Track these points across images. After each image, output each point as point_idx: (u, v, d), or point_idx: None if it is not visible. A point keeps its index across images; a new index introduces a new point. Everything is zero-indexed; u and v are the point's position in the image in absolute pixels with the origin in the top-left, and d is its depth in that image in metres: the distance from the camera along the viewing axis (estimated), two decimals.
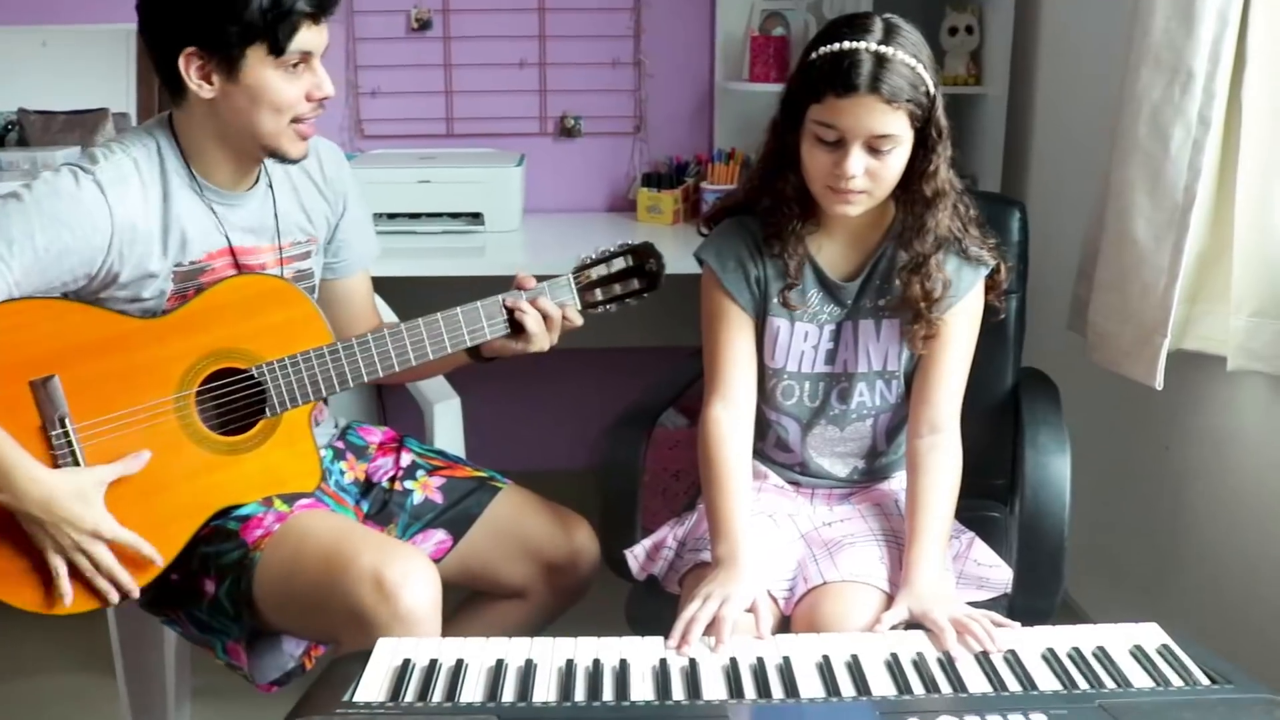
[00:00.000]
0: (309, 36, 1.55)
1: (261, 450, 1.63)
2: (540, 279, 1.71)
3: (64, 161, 1.55)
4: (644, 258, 1.75)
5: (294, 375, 1.62)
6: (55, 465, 1.50)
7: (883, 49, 1.46)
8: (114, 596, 1.54)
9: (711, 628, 1.36)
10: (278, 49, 1.52)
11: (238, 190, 1.66)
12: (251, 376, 1.61)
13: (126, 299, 1.57)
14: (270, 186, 1.70)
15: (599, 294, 1.74)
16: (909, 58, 1.47)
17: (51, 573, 1.50)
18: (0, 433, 1.45)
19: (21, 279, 1.48)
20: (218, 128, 1.59)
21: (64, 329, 1.52)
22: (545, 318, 1.68)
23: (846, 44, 1.47)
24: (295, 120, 1.59)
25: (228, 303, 1.61)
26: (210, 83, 1.54)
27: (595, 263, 1.74)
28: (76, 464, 1.50)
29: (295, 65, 1.56)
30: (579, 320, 1.72)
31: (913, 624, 1.41)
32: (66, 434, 1.50)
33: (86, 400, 1.51)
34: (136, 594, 1.55)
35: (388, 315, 2.05)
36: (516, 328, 1.68)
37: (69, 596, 1.51)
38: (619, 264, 1.74)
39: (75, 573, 1.51)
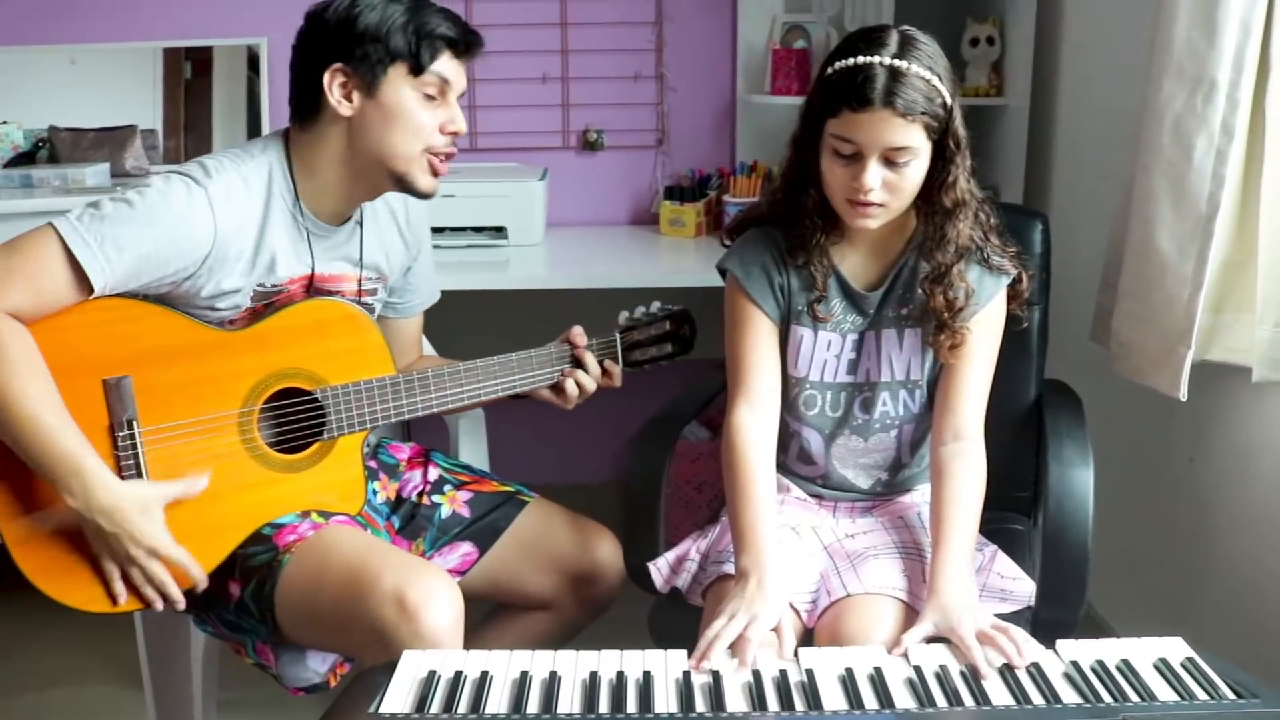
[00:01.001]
0: (449, 66, 1.62)
1: (313, 471, 1.67)
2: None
3: (176, 169, 1.60)
4: (681, 323, 1.89)
5: (355, 402, 1.67)
6: (118, 465, 1.53)
7: (897, 63, 1.47)
8: (159, 605, 1.57)
9: (735, 645, 1.36)
10: (418, 68, 1.59)
11: (334, 224, 1.70)
12: (315, 398, 1.65)
13: (202, 306, 1.61)
14: (360, 224, 1.74)
15: (636, 355, 1.86)
16: (924, 70, 1.48)
17: (105, 576, 1.54)
18: (82, 439, 1.49)
19: (117, 282, 1.52)
20: (348, 150, 1.63)
21: (142, 332, 1.56)
22: (588, 373, 1.80)
23: (861, 59, 1.48)
24: (430, 153, 1.64)
25: (301, 324, 1.65)
26: (350, 100, 1.60)
27: (638, 325, 1.87)
28: (138, 466, 1.54)
29: (432, 96, 1.61)
30: (619, 382, 1.84)
31: (938, 638, 1.41)
32: (132, 436, 1.53)
33: (155, 405, 1.55)
34: (182, 607, 1.59)
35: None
36: (555, 385, 1.80)
37: (122, 597, 1.55)
38: (659, 328, 1.87)
39: (125, 577, 1.55)
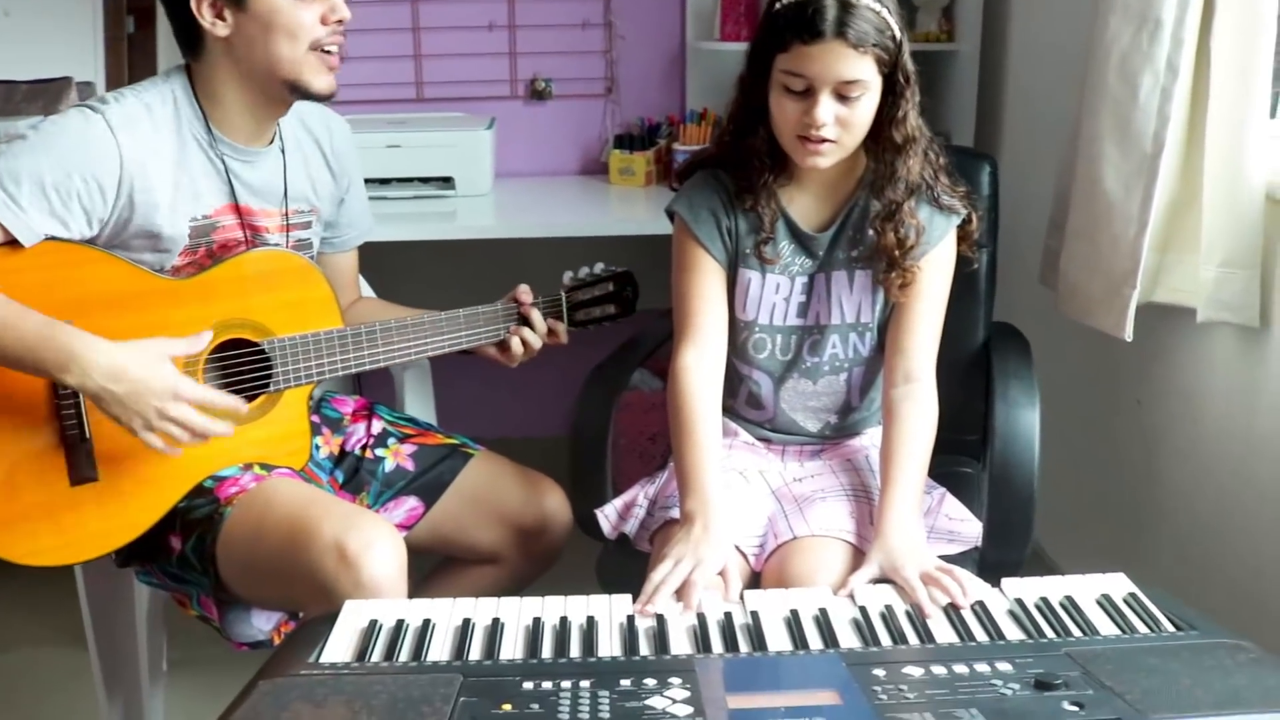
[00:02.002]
0: None
1: (258, 424, 1.64)
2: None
3: (74, 103, 1.54)
4: (624, 284, 1.89)
5: (302, 355, 1.65)
6: (58, 415, 1.49)
7: None
8: (217, 429, 1.50)
9: (681, 591, 1.36)
10: None
11: (253, 146, 1.66)
12: (261, 350, 1.62)
13: (143, 248, 1.57)
14: (283, 151, 1.70)
15: (580, 315, 1.86)
16: (873, 2, 1.47)
17: (144, 443, 1.46)
18: (47, 318, 1.43)
19: (38, 225, 1.47)
20: (238, 70, 1.59)
21: (86, 277, 1.52)
22: (534, 330, 1.79)
23: None
24: (316, 48, 1.58)
25: (249, 274, 1.62)
26: (223, 19, 1.55)
27: (582, 285, 1.86)
28: (80, 416, 1.50)
29: None
30: (565, 339, 1.84)
31: (884, 579, 1.41)
32: None
33: None
34: (229, 434, 1.53)
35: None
36: (500, 342, 1.80)
37: (177, 450, 1.49)
38: (603, 288, 1.87)
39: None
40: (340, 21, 1.60)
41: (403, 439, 1.83)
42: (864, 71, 1.48)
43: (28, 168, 1.47)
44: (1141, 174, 1.84)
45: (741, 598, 1.36)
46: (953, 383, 1.71)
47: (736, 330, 1.67)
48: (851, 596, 1.35)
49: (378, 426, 1.84)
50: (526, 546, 1.80)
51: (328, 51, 1.60)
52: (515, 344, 1.78)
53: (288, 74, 1.58)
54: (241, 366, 1.63)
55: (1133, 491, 2.23)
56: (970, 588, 1.34)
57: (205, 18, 1.55)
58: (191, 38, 1.59)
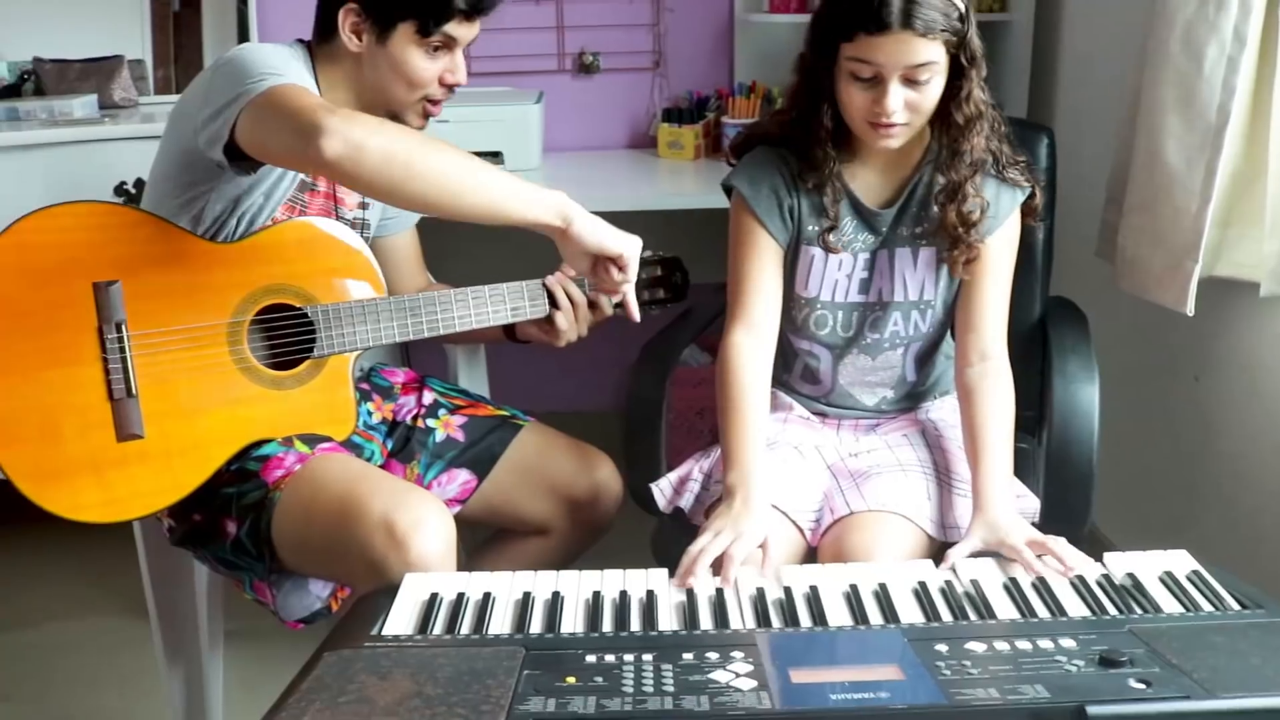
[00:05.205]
0: (458, 29, 1.66)
1: (302, 390, 1.66)
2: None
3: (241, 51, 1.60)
4: (672, 269, 1.90)
5: (345, 321, 1.67)
6: (105, 370, 1.52)
7: None
8: None
9: (718, 563, 1.36)
10: (425, 30, 1.63)
11: None
12: (305, 315, 1.64)
13: (245, 184, 1.61)
14: None
15: None
16: None
17: None
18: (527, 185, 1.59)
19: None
20: (354, 77, 1.69)
21: (134, 236, 1.56)
22: (574, 305, 1.77)
23: None
24: (425, 101, 1.69)
25: (290, 241, 1.66)
26: (359, 39, 1.65)
27: None
28: (126, 371, 1.52)
29: (437, 48, 1.65)
30: (609, 310, 1.81)
31: (985, 553, 1.40)
32: (121, 340, 1.52)
33: (144, 310, 1.55)
34: None
35: None
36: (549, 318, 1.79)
37: None
38: (650, 271, 1.87)
39: None
40: (455, 85, 1.69)
41: (453, 410, 1.84)
42: (933, 54, 1.45)
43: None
44: (1205, 147, 1.80)
45: (801, 565, 1.36)
46: (1009, 357, 1.69)
47: (797, 306, 1.66)
48: (954, 569, 1.35)
49: (429, 398, 1.85)
50: (577, 517, 1.81)
51: (433, 103, 1.69)
52: (560, 318, 1.78)
53: (391, 109, 1.68)
54: (286, 331, 1.64)
55: (1190, 468, 2.20)
56: (1074, 556, 1.34)
57: (344, 31, 1.64)
58: (328, 31, 1.67)
